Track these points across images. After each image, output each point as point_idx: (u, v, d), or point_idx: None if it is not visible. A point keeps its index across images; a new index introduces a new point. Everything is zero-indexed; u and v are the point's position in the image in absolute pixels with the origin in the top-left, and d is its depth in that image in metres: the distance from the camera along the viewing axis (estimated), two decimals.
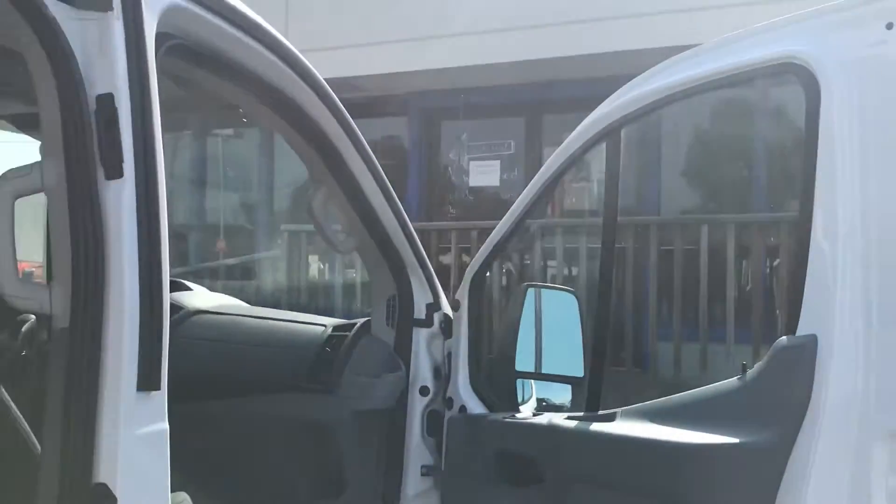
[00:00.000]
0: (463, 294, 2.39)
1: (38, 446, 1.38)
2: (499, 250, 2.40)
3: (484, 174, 8.18)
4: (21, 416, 1.49)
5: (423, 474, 2.38)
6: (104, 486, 1.28)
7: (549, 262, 7.11)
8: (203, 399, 2.26)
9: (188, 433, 2.16)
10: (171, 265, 1.41)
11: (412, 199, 8.26)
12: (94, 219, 1.29)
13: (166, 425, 1.38)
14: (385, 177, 2.25)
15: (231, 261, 8.79)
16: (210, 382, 2.31)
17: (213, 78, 1.86)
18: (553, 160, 2.19)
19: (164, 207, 1.39)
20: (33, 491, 1.32)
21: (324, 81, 2.03)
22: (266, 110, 2.05)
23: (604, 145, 2.06)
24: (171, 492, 1.46)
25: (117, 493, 1.28)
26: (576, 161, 2.15)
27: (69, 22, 1.35)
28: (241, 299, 2.96)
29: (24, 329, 2.49)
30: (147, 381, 1.32)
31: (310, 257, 7.61)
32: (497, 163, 8.22)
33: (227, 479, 2.22)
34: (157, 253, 1.35)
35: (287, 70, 1.92)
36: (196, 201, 9.70)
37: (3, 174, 1.35)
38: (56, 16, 1.32)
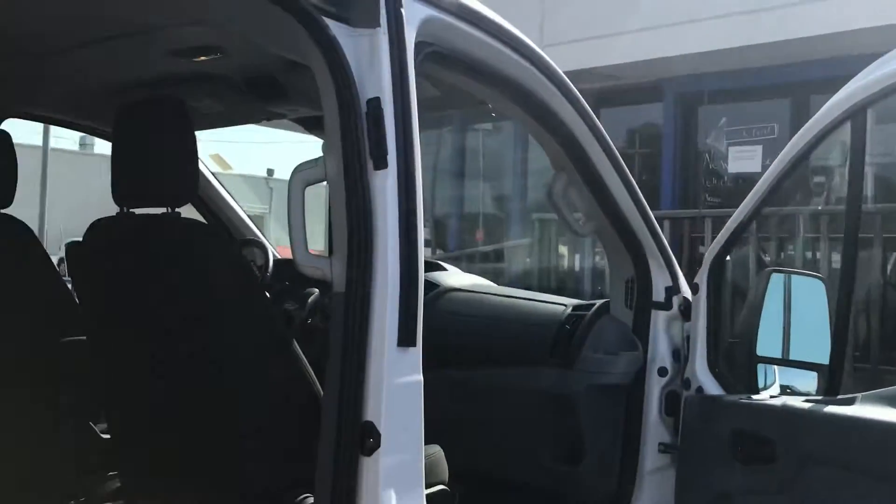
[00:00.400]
0: (702, 278, 2.43)
1: (321, 392, 1.67)
2: (738, 234, 2.41)
3: (744, 159, 7.89)
4: (309, 369, 1.80)
5: (660, 451, 2.46)
6: (370, 423, 1.54)
7: (789, 249, 6.73)
8: (453, 368, 2.51)
9: (440, 398, 2.42)
10: (435, 250, 1.65)
11: (666, 187, 8.17)
12: (364, 202, 1.55)
13: (421, 377, 1.62)
14: (623, 164, 2.36)
15: (487, 248, 9.22)
16: (460, 353, 2.56)
17: (465, 78, 2.09)
18: (794, 143, 2.18)
19: (420, 193, 1.63)
20: (316, 426, 1.62)
21: (563, 76, 2.18)
22: (512, 105, 2.24)
23: (847, 126, 2.02)
24: (426, 444, 1.70)
25: (381, 429, 1.53)
26: (818, 144, 2.12)
27: (345, 38, 1.62)
28: (494, 282, 3.21)
29: (309, 301, 2.91)
30: (406, 339, 1.56)
31: (559, 244, 7.81)
32: (758, 147, 7.89)
33: (472, 441, 2.44)
34: (414, 230, 1.59)
35: (531, 68, 2.10)
36: (456, 191, 10.26)
37: (296, 167, 1.65)
38: (335, 34, 1.59)
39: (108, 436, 2.42)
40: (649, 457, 2.47)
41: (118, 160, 1.86)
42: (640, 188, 2.46)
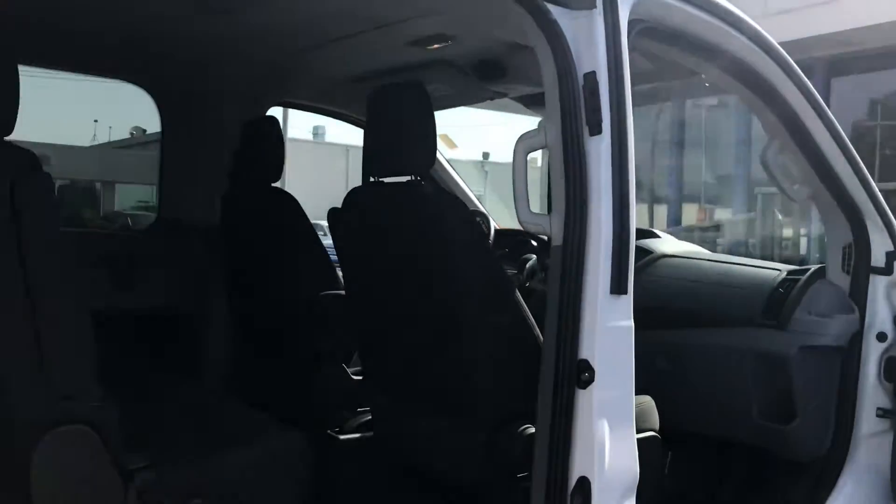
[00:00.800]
0: None
1: (541, 336, 1.90)
2: None
3: None
4: (530, 317, 2.04)
5: (878, 416, 2.47)
6: (585, 360, 1.75)
7: None
8: (666, 329, 2.64)
9: (654, 358, 2.57)
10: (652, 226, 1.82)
11: None
12: (580, 165, 1.75)
13: (631, 323, 1.80)
14: (839, 128, 2.37)
15: (706, 224, 9.06)
16: (672, 315, 2.69)
17: (677, 51, 2.22)
18: None
19: (632, 156, 1.81)
20: (537, 366, 1.84)
21: (776, 45, 2.25)
22: (725, 77, 2.34)
23: None
24: (637, 394, 1.88)
25: (595, 366, 1.74)
26: None
27: (565, 20, 1.82)
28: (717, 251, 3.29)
29: (527, 266, 3.17)
30: (617, 287, 1.75)
31: (780, 216, 7.55)
32: None
33: (682, 399, 2.56)
34: (626, 189, 1.77)
35: (741, 37, 2.19)
36: (677, 161, 10.12)
37: (520, 136, 1.89)
38: (556, 17, 1.80)
39: (359, 377, 2.81)
40: (865, 420, 2.48)
41: (370, 137, 2.18)
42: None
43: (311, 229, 2.82)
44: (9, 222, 1.58)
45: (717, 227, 8.80)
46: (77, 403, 1.62)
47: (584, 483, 1.75)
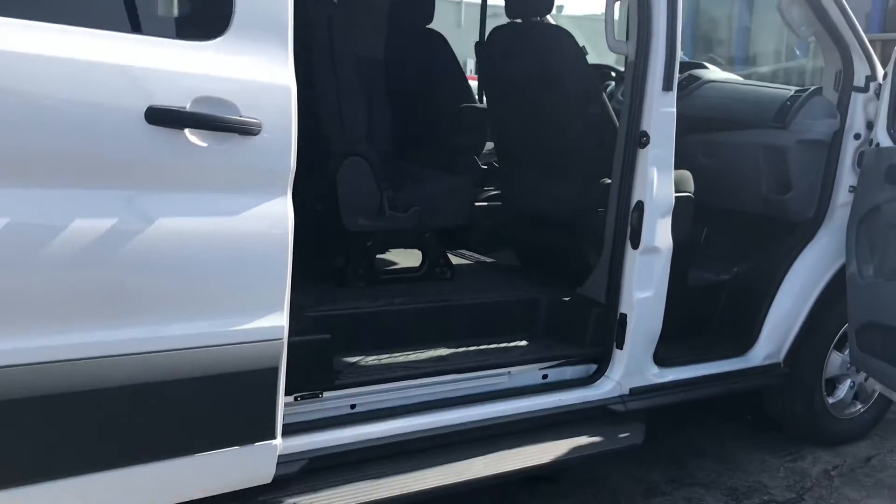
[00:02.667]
0: (890, 68, 3.41)
1: (616, 120, 3.06)
2: None
3: None
4: (611, 111, 3.21)
5: (849, 191, 3.57)
6: (644, 131, 2.90)
7: None
8: (705, 133, 3.74)
9: (697, 153, 3.64)
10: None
11: (875, 12, 8.34)
12: (648, 9, 2.84)
13: (674, 111, 2.92)
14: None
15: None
16: (710, 122, 3.78)
17: None
18: None
19: (680, 10, 2.87)
20: (613, 139, 3.02)
21: None
22: None
23: None
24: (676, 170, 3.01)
25: (651, 133, 2.89)
26: None
27: None
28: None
29: (607, 90, 4.27)
30: (667, 85, 2.88)
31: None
32: None
33: (713, 184, 3.64)
34: (675, 27, 2.85)
35: None
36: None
37: None
38: None
39: (485, 166, 4.04)
40: (841, 194, 3.58)
41: None
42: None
43: (455, 60, 3.99)
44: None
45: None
46: (357, 146, 2.90)
47: (640, 205, 2.94)
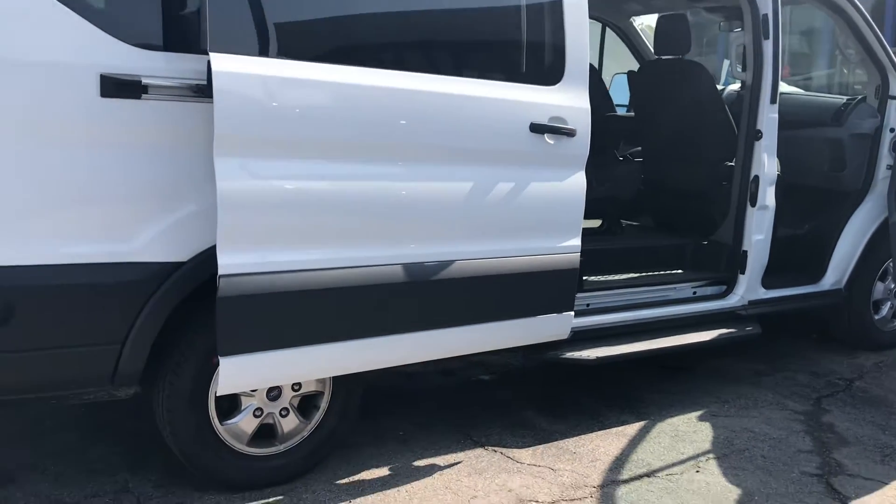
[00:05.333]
0: None
1: (734, 125, 4.65)
2: None
3: None
4: (729, 115, 4.80)
5: (887, 168, 5.15)
6: (759, 130, 4.48)
7: None
8: (784, 130, 5.31)
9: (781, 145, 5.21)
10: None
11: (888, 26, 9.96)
12: (760, 54, 4.42)
13: (777, 116, 4.50)
14: (873, 24, 4.94)
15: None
16: (788, 123, 5.33)
17: None
18: None
19: (780, 45, 4.45)
20: (734, 133, 4.61)
21: None
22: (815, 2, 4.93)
23: None
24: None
25: (763, 131, 4.47)
26: None
27: None
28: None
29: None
30: (773, 99, 4.45)
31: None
32: None
33: (793, 166, 5.20)
34: (777, 65, 4.43)
35: None
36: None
37: (732, 39, 4.57)
38: None
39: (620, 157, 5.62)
40: (881, 171, 5.17)
41: (656, 35, 4.90)
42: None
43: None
44: None
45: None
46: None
47: (756, 178, 4.51)
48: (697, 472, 3.58)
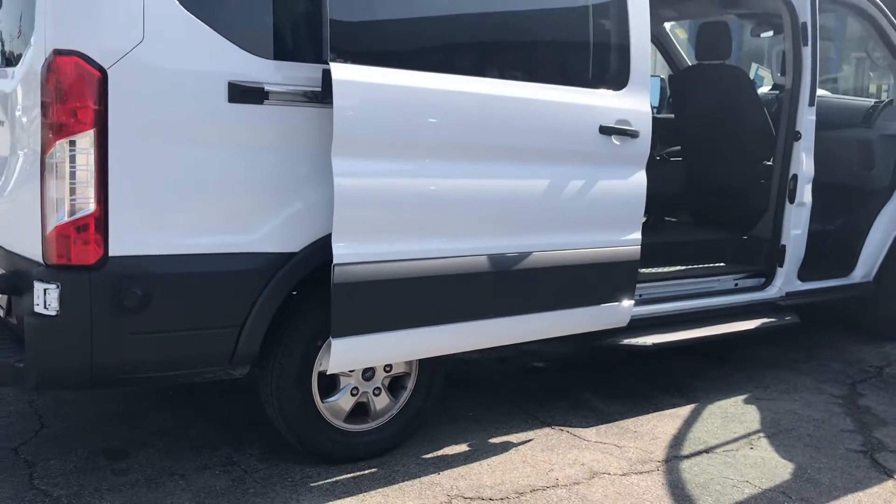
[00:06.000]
0: None
1: (772, 127, 4.94)
2: None
3: None
4: (768, 118, 5.08)
5: None
6: (798, 132, 4.77)
7: None
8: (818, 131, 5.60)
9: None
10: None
11: None
12: (800, 57, 4.70)
13: (814, 118, 4.78)
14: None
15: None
16: (822, 125, 5.62)
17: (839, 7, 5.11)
18: None
19: (818, 54, 4.74)
20: (773, 140, 4.90)
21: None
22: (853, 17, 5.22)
23: None
24: None
25: (802, 132, 4.77)
26: None
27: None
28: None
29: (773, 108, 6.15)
30: (811, 101, 4.74)
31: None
32: None
33: (823, 165, 5.48)
34: (816, 67, 4.72)
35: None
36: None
37: (773, 45, 4.85)
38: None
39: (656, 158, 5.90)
40: None
41: (698, 41, 5.19)
42: None
43: None
44: None
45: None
46: None
47: (795, 176, 4.79)
48: (751, 448, 3.86)
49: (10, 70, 3.24)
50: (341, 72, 2.96)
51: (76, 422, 3.82)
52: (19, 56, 3.15)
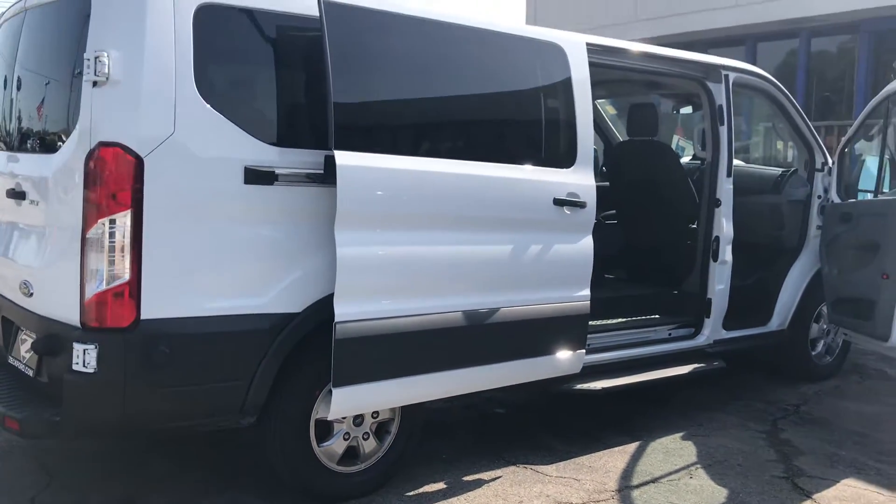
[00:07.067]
0: (836, 157, 6.08)
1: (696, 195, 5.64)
2: (851, 137, 6.03)
3: None
4: (693, 188, 5.78)
5: (816, 229, 6.19)
6: (718, 199, 5.47)
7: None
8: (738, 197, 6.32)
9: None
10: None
11: (860, 100, 11.29)
12: (717, 135, 5.43)
13: (732, 187, 5.50)
14: (806, 118, 6.05)
15: None
16: (739, 191, 6.37)
17: (760, 99, 5.89)
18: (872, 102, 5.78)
19: (732, 134, 5.48)
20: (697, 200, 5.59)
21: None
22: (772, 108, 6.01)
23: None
24: None
25: (721, 199, 5.47)
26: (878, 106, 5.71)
27: (712, 85, 5.46)
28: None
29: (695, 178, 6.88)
30: (728, 173, 5.46)
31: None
32: None
33: (742, 224, 6.22)
34: (731, 143, 5.45)
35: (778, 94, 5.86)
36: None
37: (699, 127, 5.57)
38: (711, 86, 5.44)
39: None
40: (812, 230, 6.22)
41: (628, 121, 5.89)
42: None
43: None
44: None
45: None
46: None
47: (717, 238, 5.46)
48: (691, 478, 4.41)
49: (28, 156, 3.67)
50: (343, 158, 3.46)
51: (83, 473, 4.12)
52: (36, 137, 3.59)
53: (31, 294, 3.53)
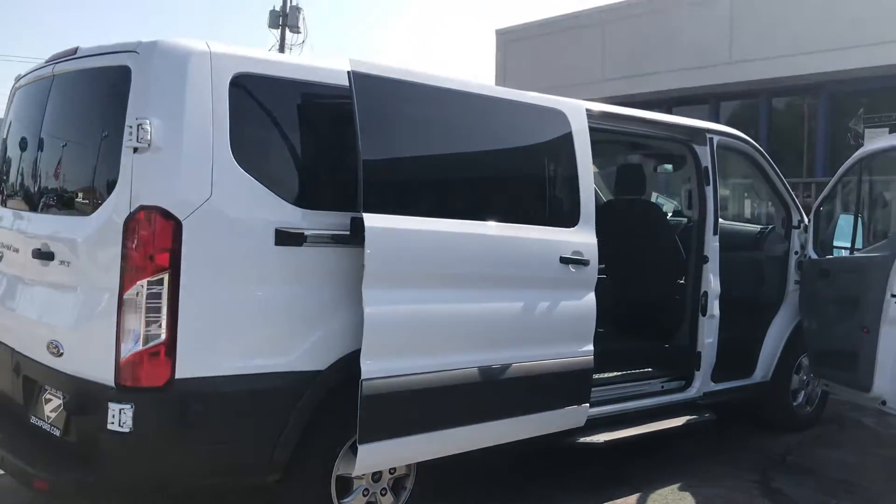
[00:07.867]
0: (811, 216, 6.39)
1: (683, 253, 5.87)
2: (827, 195, 6.35)
3: (875, 139, 11.32)
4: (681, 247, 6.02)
5: (795, 283, 6.46)
6: (706, 256, 5.71)
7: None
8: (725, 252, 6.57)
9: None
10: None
11: (819, 158, 11.81)
12: (703, 196, 5.68)
13: (718, 245, 5.74)
14: (784, 182, 6.36)
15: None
16: (723, 247, 6.62)
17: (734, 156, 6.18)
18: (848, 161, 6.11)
19: (718, 194, 5.75)
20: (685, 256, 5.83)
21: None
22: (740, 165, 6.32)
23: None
24: None
25: (709, 256, 5.71)
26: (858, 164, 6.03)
27: (697, 147, 5.74)
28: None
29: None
30: (715, 231, 5.71)
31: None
32: (886, 129, 11.34)
33: (726, 280, 6.47)
34: (717, 205, 5.71)
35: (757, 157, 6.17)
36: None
37: (674, 170, 5.83)
38: (695, 146, 5.72)
39: None
40: (790, 285, 6.48)
41: (615, 184, 6.14)
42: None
43: None
44: None
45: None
46: None
47: (705, 293, 5.68)
48: None
49: (56, 217, 3.75)
50: (372, 220, 3.60)
51: None
52: (65, 198, 3.67)
53: (62, 354, 3.56)
